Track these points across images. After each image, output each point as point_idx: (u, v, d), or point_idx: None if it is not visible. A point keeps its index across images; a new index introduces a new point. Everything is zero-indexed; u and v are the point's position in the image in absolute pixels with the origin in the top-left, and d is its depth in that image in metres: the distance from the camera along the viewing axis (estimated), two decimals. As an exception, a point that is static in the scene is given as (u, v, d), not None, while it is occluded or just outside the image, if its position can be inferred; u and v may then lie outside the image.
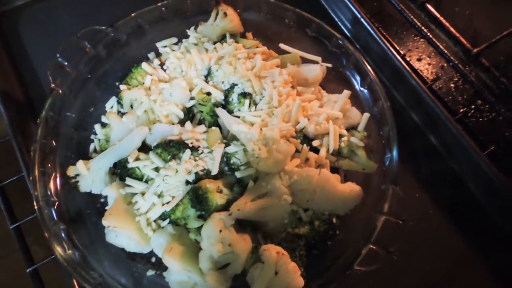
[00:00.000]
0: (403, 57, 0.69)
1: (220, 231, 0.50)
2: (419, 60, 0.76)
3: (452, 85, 0.73)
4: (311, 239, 0.53)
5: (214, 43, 0.64)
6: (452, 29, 0.65)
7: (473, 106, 0.71)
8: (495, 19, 0.75)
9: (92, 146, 0.60)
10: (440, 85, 0.73)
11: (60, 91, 0.57)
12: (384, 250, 0.48)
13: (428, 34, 0.67)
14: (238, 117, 0.56)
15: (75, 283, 0.54)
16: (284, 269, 0.48)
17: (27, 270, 0.55)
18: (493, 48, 0.64)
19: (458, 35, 0.65)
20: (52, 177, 0.54)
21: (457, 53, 0.69)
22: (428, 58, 0.76)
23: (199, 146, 0.54)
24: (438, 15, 0.69)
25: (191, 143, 0.54)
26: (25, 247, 0.56)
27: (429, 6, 0.71)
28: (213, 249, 0.50)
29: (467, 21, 0.76)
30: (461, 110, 0.69)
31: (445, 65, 0.75)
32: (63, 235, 0.51)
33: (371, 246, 0.49)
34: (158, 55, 0.65)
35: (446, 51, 0.66)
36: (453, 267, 0.57)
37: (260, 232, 0.54)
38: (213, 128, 0.56)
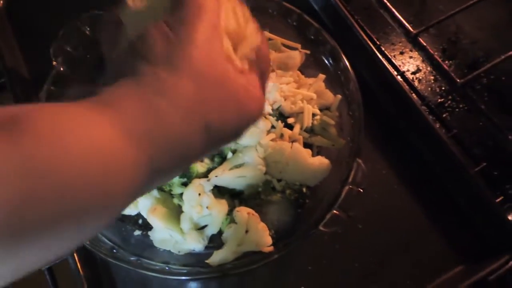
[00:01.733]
0: (378, 47, 0.74)
1: (199, 194, 0.56)
2: (401, 53, 0.81)
3: (432, 77, 0.78)
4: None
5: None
6: (396, 13, 0.72)
7: (450, 97, 0.76)
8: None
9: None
10: (420, 77, 0.78)
11: (61, 69, 0.64)
12: (345, 214, 0.54)
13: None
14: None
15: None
16: (254, 228, 0.54)
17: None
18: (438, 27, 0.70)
19: (400, 17, 0.71)
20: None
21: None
22: (410, 52, 0.81)
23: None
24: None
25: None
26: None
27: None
28: (193, 211, 0.56)
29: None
30: (439, 100, 0.74)
31: (425, 60, 0.81)
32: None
33: (335, 211, 0.55)
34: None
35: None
36: (412, 237, 0.62)
37: (236, 199, 0.60)
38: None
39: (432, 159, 0.67)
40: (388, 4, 0.80)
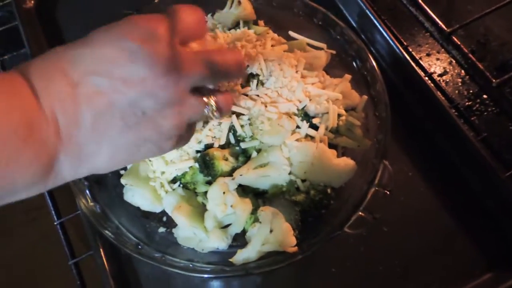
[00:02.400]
0: (405, 48, 0.73)
1: (224, 193, 0.56)
2: (428, 55, 0.80)
3: (459, 80, 0.77)
4: (306, 206, 0.58)
5: (229, 29, 0.70)
6: (428, 11, 0.70)
7: (478, 100, 0.75)
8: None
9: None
10: (447, 79, 0.77)
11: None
12: (371, 216, 0.53)
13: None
14: (247, 95, 0.62)
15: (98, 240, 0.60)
16: (278, 228, 0.53)
17: (55, 223, 0.63)
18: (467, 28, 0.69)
19: (433, 15, 0.70)
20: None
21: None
22: (437, 54, 0.80)
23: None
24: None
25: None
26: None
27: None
28: (217, 209, 0.56)
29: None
30: (467, 103, 0.73)
31: (453, 61, 0.79)
32: (87, 191, 0.58)
33: (360, 213, 0.54)
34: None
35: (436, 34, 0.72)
36: (439, 241, 0.61)
37: (260, 198, 0.60)
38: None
39: (460, 162, 0.65)
40: (420, 1, 0.78)
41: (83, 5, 0.81)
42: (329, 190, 0.59)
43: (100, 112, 0.34)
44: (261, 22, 0.71)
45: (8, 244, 0.62)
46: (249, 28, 0.69)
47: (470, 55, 0.74)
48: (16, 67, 0.34)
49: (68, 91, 0.33)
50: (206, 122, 0.59)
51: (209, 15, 0.72)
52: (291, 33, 0.69)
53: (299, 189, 0.59)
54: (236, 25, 0.70)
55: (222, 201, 0.55)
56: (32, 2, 0.81)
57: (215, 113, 0.41)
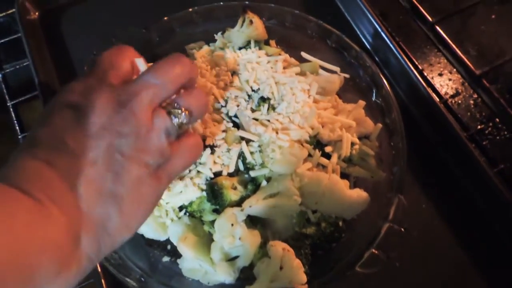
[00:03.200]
0: (420, 72, 0.71)
1: (232, 225, 0.53)
2: (440, 75, 0.78)
3: (472, 102, 0.75)
4: (317, 239, 0.56)
5: (239, 48, 0.67)
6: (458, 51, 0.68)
7: (490, 124, 0.73)
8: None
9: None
10: (459, 101, 0.74)
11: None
12: (385, 255, 0.51)
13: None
14: (257, 119, 0.59)
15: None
16: (288, 264, 0.51)
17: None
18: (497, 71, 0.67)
19: (463, 57, 0.67)
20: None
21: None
22: (449, 74, 0.78)
23: (217, 145, 0.57)
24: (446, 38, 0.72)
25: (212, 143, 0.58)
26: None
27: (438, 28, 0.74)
28: (225, 241, 0.54)
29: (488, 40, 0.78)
30: (478, 127, 0.71)
31: (466, 82, 0.77)
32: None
33: (373, 250, 0.52)
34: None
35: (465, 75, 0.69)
36: (454, 277, 0.59)
37: (269, 229, 0.57)
38: (232, 128, 0.59)
39: (477, 194, 0.63)
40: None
41: (87, 18, 0.78)
42: (340, 223, 0.57)
43: (87, 176, 0.34)
44: (273, 42, 0.69)
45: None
46: (260, 48, 0.67)
47: (484, 80, 0.72)
48: None
49: (50, 176, 0.33)
50: (214, 149, 0.57)
51: (219, 34, 0.69)
52: (304, 54, 0.67)
53: (310, 221, 0.57)
54: (246, 45, 0.68)
55: (230, 233, 0.53)
56: (36, 13, 0.79)
57: (185, 119, 0.40)
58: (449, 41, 0.75)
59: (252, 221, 0.57)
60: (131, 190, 0.36)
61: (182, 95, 0.40)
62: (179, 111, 0.39)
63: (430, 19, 0.78)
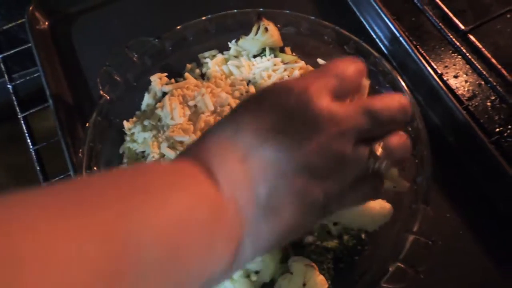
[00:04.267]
0: (440, 76, 0.69)
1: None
2: (455, 77, 0.75)
3: (489, 103, 0.73)
4: (339, 253, 0.54)
5: (254, 56, 0.66)
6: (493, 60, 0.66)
7: (509, 126, 0.71)
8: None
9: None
10: (476, 103, 0.72)
11: (108, 98, 0.61)
12: (412, 270, 0.49)
13: (467, 55, 0.68)
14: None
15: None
16: (312, 281, 0.49)
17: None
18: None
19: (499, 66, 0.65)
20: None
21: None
22: (465, 76, 0.76)
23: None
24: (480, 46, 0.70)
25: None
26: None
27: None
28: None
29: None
30: (497, 129, 0.69)
31: (482, 83, 0.75)
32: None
33: (399, 264, 0.50)
34: (199, 65, 0.69)
35: (483, 72, 0.67)
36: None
37: (289, 243, 0.56)
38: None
39: (502, 202, 0.61)
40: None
41: (98, 27, 0.77)
42: (363, 235, 0.55)
43: (272, 183, 0.32)
44: (288, 50, 0.68)
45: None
46: (275, 56, 0.65)
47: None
48: (181, 154, 0.35)
49: (239, 168, 0.32)
50: None
51: (233, 41, 0.68)
52: (320, 61, 0.65)
53: (331, 233, 0.55)
54: (261, 52, 0.66)
55: None
56: (46, 23, 0.78)
57: (381, 164, 0.36)
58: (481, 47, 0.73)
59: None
60: (297, 212, 0.34)
61: (392, 135, 0.37)
62: (378, 153, 0.36)
63: (462, 27, 0.76)
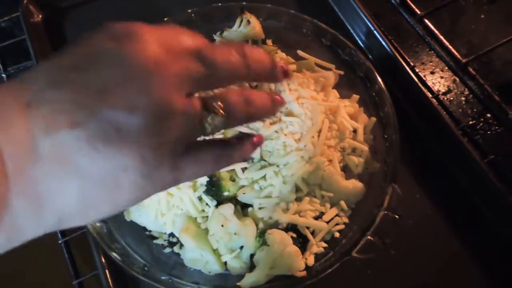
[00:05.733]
0: (412, 68, 0.74)
1: (222, 225, 0.55)
2: (432, 73, 0.80)
3: (463, 98, 0.77)
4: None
5: (237, 47, 0.70)
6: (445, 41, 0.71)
7: (482, 119, 0.75)
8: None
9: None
10: (451, 98, 0.77)
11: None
12: (381, 241, 0.53)
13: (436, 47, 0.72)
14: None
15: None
16: (287, 252, 0.53)
17: (59, 242, 0.62)
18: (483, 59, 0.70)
19: (450, 46, 0.70)
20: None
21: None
22: (441, 72, 0.80)
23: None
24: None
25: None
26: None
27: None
28: (221, 243, 0.55)
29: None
30: (470, 122, 0.73)
31: (457, 79, 0.79)
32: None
33: (369, 237, 0.54)
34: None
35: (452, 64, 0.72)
36: (447, 265, 0.60)
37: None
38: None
39: (468, 185, 0.65)
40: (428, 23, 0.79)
41: (91, 19, 0.80)
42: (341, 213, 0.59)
43: (60, 136, 0.25)
44: (270, 42, 0.72)
45: (10, 263, 0.61)
46: (257, 47, 0.69)
47: (485, 84, 0.74)
48: None
49: (17, 115, 0.25)
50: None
51: (218, 33, 0.72)
52: (300, 52, 0.69)
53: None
54: (244, 44, 0.70)
55: (225, 233, 0.55)
56: (40, 16, 0.81)
57: (215, 121, 0.30)
58: (437, 32, 0.78)
59: (243, 211, 0.59)
60: (107, 179, 0.27)
61: (231, 90, 0.31)
62: (216, 109, 0.30)
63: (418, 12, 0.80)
